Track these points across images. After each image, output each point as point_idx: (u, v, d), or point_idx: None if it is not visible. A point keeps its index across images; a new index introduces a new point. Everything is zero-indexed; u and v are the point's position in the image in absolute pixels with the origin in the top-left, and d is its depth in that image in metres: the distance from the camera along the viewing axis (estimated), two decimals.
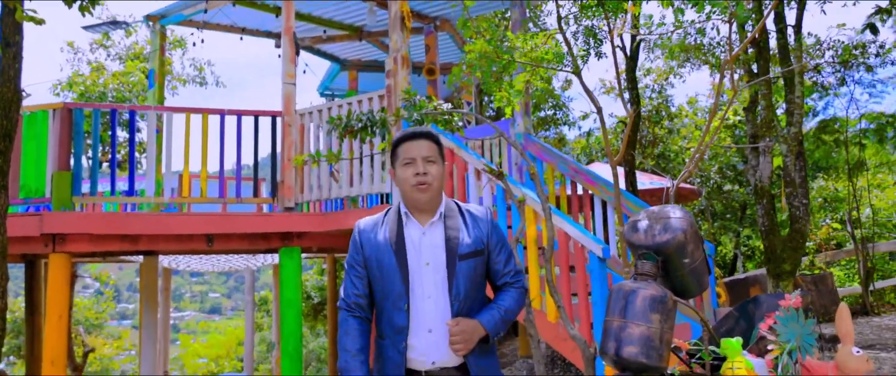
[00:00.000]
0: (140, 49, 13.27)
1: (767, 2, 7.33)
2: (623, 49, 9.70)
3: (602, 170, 7.98)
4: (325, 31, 8.48)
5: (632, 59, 9.64)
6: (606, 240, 5.35)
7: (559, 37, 3.66)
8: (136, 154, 11.34)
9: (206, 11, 6.99)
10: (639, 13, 4.73)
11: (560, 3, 4.06)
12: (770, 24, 7.26)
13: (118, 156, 11.91)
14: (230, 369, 22.04)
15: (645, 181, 8.79)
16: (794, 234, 6.66)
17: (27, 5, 3.15)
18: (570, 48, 3.29)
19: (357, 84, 9.95)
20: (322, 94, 11.16)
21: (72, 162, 5.40)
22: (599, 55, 9.94)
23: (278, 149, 5.92)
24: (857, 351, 1.82)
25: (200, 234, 5.54)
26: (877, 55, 11.26)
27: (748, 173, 8.67)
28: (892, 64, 11.38)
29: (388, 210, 2.29)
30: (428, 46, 8.29)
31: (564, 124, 14.47)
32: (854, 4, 9.00)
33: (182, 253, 7.83)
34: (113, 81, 12.19)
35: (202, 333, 34.24)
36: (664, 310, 1.68)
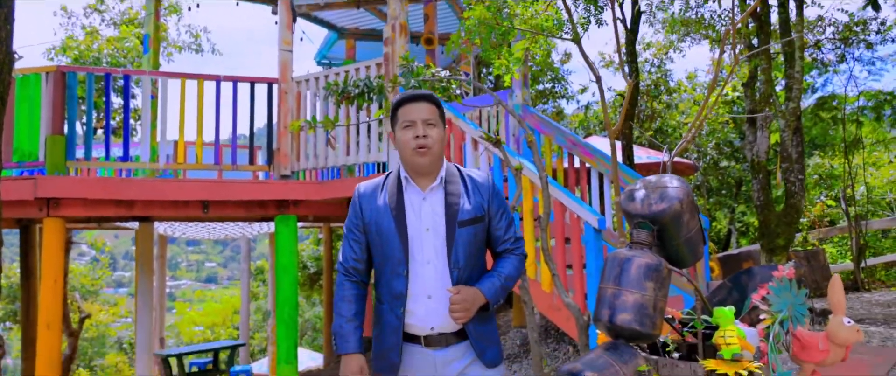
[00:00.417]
0: (134, 14, 13.09)
1: None
2: (623, 21, 9.61)
3: (600, 143, 7.96)
4: None
5: (632, 32, 9.55)
6: (603, 213, 5.35)
7: (559, 4, 3.61)
8: (131, 121, 11.25)
9: None
10: None
11: None
12: None
13: (112, 123, 11.82)
14: (226, 337, 22.22)
15: (642, 155, 8.78)
16: (788, 209, 6.69)
17: None
18: (570, 15, 3.24)
19: (355, 53, 9.87)
20: (319, 63, 11.07)
21: (65, 126, 5.35)
22: (600, 22, 9.86)
23: (274, 117, 5.88)
24: (848, 322, 1.83)
25: (196, 201, 5.52)
26: (877, 32, 11.21)
27: (745, 148, 8.67)
28: (893, 41, 11.33)
29: (388, 174, 2.25)
30: (427, 15, 8.20)
31: (563, 97, 14.39)
32: None
33: (177, 220, 7.82)
34: (107, 46, 12.05)
35: (198, 302, 34.46)
36: (659, 279, 1.68)
